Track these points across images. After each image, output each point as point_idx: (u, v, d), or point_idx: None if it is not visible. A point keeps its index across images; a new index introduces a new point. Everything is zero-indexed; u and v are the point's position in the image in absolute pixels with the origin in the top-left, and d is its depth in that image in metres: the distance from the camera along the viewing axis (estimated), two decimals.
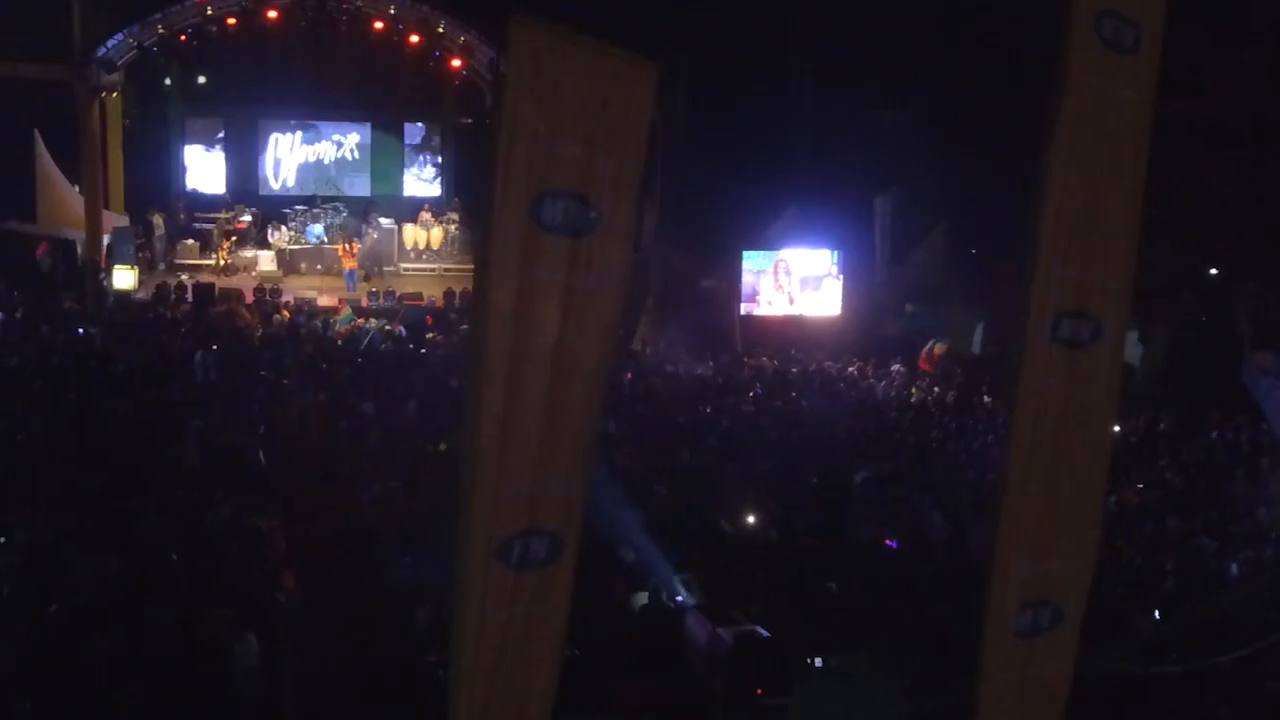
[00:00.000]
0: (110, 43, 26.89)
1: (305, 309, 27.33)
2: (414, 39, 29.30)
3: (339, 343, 25.52)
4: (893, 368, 28.26)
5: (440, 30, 28.90)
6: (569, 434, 4.67)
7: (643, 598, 13.58)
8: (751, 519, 17.08)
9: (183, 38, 28.50)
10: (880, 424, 23.47)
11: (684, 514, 17.07)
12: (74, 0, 26.76)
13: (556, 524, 4.71)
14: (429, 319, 27.56)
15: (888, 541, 17.01)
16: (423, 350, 25.19)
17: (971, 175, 29.70)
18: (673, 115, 29.25)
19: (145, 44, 27.78)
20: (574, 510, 4.77)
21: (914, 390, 26.79)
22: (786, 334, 30.39)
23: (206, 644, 12.27)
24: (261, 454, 18.57)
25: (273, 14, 28.76)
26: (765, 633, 9.13)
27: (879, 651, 6.59)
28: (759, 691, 8.46)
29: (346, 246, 30.15)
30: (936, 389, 27.02)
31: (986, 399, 26.48)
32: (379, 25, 29.24)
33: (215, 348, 22.37)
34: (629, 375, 25.20)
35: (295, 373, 22.59)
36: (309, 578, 15.50)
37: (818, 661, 7.84)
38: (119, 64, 27.74)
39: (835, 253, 30.89)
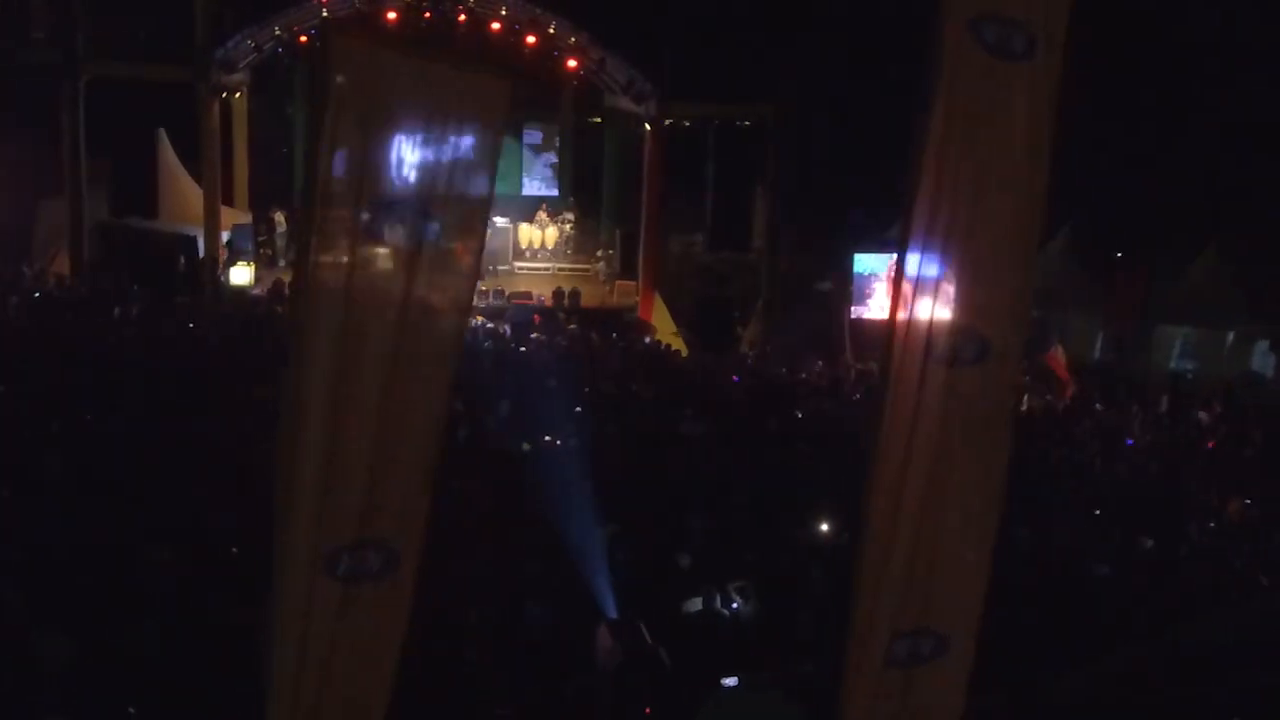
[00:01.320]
0: (229, 44, 27.53)
1: None
2: (530, 40, 29.42)
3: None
4: None
5: (551, 31, 28.99)
6: (405, 446, 4.62)
7: (696, 604, 13.42)
8: (825, 526, 16.80)
9: (303, 39, 28.99)
10: None
11: (757, 519, 16.87)
12: (196, 3, 27.44)
13: (392, 536, 4.65)
14: (536, 318, 27.71)
15: None
16: (521, 349, 25.30)
17: (1095, 178, 29.01)
18: (787, 115, 29.03)
19: (263, 45, 28.36)
20: (413, 522, 4.71)
21: (1025, 397, 26.15)
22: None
23: (252, 636, 12.43)
24: None
25: (392, 15, 29.13)
26: (664, 651, 8.97)
27: (786, 672, 6.41)
28: (647, 710, 8.31)
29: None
30: (1048, 396, 26.41)
31: (1098, 406, 25.86)
32: (496, 26, 29.42)
33: None
34: (735, 379, 25.08)
35: None
36: None
37: (730, 681, 7.67)
38: (240, 65, 28.38)
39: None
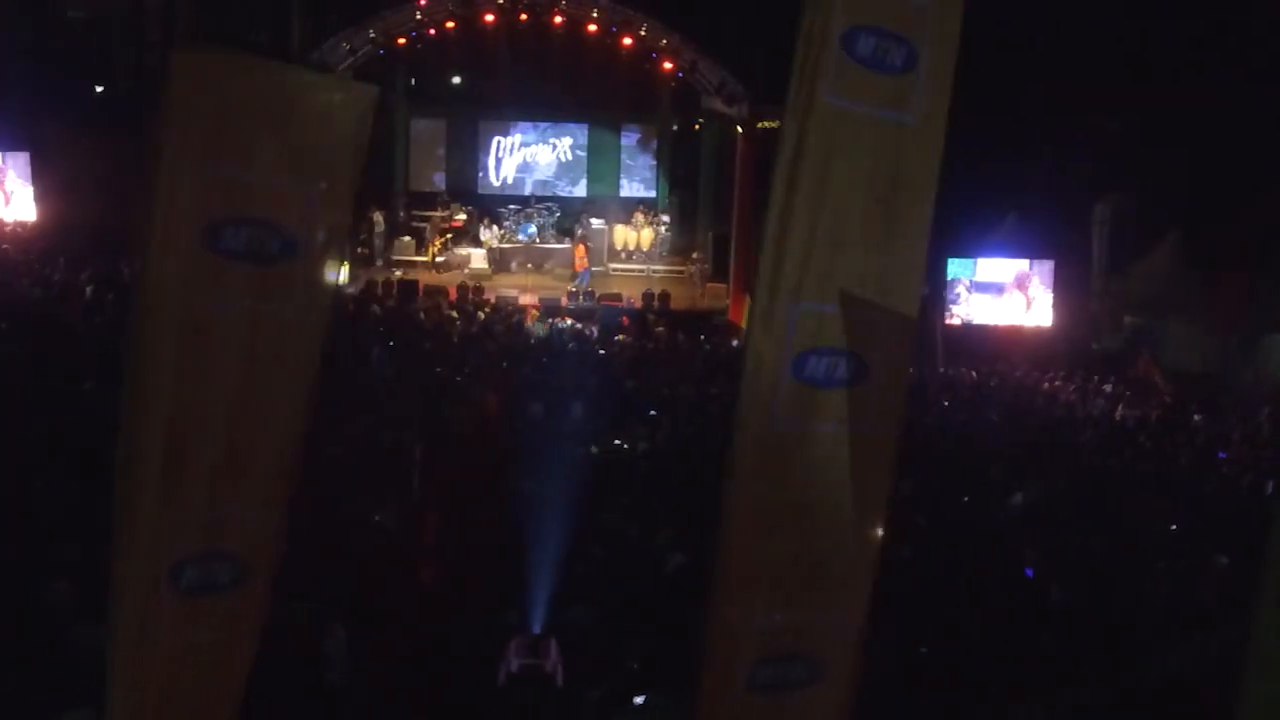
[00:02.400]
0: (324, 47, 27.97)
1: (504, 307, 27.88)
2: (626, 41, 29.48)
3: (530, 341, 25.85)
4: (1104, 386, 26.92)
5: (642, 33, 29.01)
6: (258, 461, 4.60)
7: None
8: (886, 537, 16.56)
9: (401, 41, 29.40)
10: (1066, 441, 22.45)
11: None
12: (294, 6, 27.93)
13: (242, 547, 4.63)
14: (625, 320, 27.72)
15: (1026, 570, 16.25)
16: (602, 351, 25.30)
17: (1202, 183, 28.30)
18: None
19: (358, 49, 28.76)
20: (265, 534, 4.69)
21: (1120, 406, 25.53)
22: (1001, 344, 29.43)
23: (294, 634, 12.63)
24: (418, 451, 18.90)
25: (489, 18, 29.39)
26: (562, 669, 8.83)
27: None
28: None
29: (586, 245, 30.88)
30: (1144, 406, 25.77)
31: (1197, 418, 25.14)
32: (593, 28, 29.52)
33: (392, 344, 22.97)
34: None
35: (474, 371, 23.02)
36: (434, 575, 15.81)
37: (639, 699, 7.55)
38: (335, 68, 28.77)
39: (1030, 261, 29.83)
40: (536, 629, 10.47)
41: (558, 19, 29.44)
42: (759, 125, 29.43)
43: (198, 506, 4.53)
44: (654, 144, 34.55)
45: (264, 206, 4.46)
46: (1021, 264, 29.92)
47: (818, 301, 4.74)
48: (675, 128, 34.21)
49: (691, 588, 12.94)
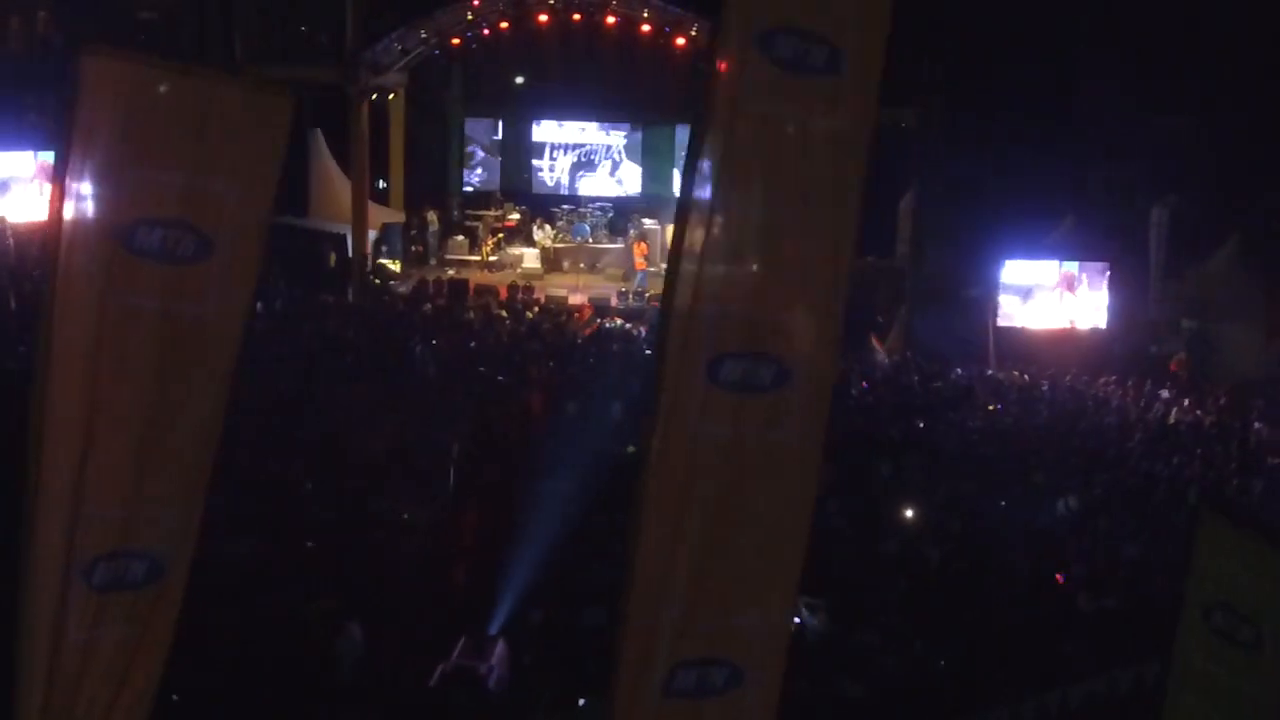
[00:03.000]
0: (377, 47, 28.17)
1: (552, 307, 27.94)
2: (679, 41, 29.42)
3: (578, 341, 25.87)
4: (1161, 393, 26.50)
5: (694, 33, 28.93)
6: (172, 459, 4.62)
7: None
8: (917, 541, 16.49)
9: (455, 41, 29.56)
10: (1113, 445, 22.16)
11: (850, 531, 16.58)
12: (348, 6, 28.14)
13: (157, 545, 4.64)
14: None
15: (1058, 575, 16.08)
16: (648, 351, 25.23)
17: (1261, 186, 27.86)
18: (930, 118, 28.40)
19: (410, 49, 28.95)
20: (181, 532, 4.70)
21: (1174, 411, 25.15)
22: (1051, 347, 29.06)
23: (312, 633, 12.76)
24: (455, 449, 18.95)
25: (543, 18, 29.46)
26: (498, 673, 8.77)
27: None
28: None
29: (643, 245, 30.85)
30: (1199, 411, 25.35)
31: (1257, 425, 24.69)
32: (646, 28, 29.48)
33: (434, 342, 23.08)
34: (865, 384, 24.67)
35: (520, 370, 23.07)
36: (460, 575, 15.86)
37: (582, 701, 7.50)
38: (388, 68, 28.98)
39: (1075, 264, 29.41)
40: (493, 629, 10.46)
41: (610, 19, 29.42)
42: None
43: (111, 504, 4.55)
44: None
45: (179, 207, 4.49)
46: (1056, 265, 29.48)
47: (734, 304, 4.69)
48: None
49: None
